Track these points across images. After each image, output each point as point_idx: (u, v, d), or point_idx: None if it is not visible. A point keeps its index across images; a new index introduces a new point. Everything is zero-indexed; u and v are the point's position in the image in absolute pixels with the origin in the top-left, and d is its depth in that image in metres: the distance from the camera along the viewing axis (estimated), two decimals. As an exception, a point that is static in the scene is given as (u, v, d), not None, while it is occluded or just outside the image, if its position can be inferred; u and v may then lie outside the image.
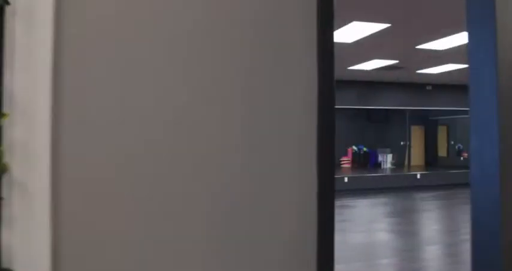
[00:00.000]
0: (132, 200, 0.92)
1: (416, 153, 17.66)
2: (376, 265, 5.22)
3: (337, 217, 8.38)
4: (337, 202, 9.92)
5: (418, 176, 12.73)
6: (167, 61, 0.96)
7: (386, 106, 12.61)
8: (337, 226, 7.44)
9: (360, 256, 5.59)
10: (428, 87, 12.76)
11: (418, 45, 7.27)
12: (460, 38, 6.77)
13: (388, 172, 14.94)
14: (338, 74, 10.65)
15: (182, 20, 0.97)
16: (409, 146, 16.60)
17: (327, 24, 1.09)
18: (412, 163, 17.03)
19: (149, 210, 0.94)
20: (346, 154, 17.24)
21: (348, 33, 6.36)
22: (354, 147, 17.57)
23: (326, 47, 1.09)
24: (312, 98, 1.08)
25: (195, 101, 0.99)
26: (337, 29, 6.15)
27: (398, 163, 15.89)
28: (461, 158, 17.98)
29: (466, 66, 9.49)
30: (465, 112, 15.36)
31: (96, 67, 0.90)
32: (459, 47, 7.35)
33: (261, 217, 1.04)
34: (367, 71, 10.04)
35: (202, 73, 1.00)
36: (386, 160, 16.47)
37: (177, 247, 0.96)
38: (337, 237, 6.55)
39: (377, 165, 16.52)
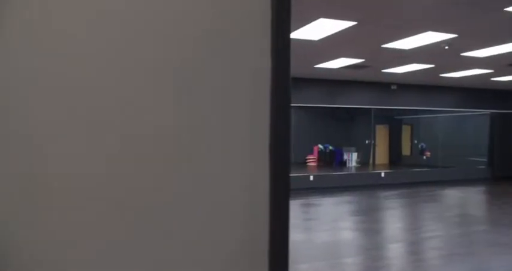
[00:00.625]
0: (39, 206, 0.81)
1: (381, 152, 17.94)
2: (340, 264, 5.20)
3: (302, 216, 8.38)
4: (303, 201, 9.93)
5: (383, 174, 12.89)
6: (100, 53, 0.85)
7: (353, 105, 12.71)
8: (303, 224, 7.44)
9: (325, 255, 5.58)
10: (393, 87, 12.91)
11: (384, 44, 7.30)
12: (425, 38, 6.83)
13: (353, 171, 15.10)
14: (305, 72, 10.64)
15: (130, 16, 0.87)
16: (374, 145, 16.83)
17: (282, 21, 1.01)
18: (377, 161, 17.28)
19: (67, 213, 0.83)
20: (312, 153, 17.37)
21: (315, 30, 6.32)
22: (320, 146, 17.72)
23: (282, 45, 1.01)
24: (264, 96, 1.00)
25: (133, 98, 0.89)
26: (304, 25, 6.10)
27: (363, 162, 16.09)
28: (424, 157, 18.38)
29: (430, 66, 9.62)
30: (428, 112, 15.66)
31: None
32: (424, 47, 7.42)
33: (207, 219, 0.94)
34: (333, 69, 10.06)
35: (149, 69, 0.90)
36: (352, 158, 16.67)
37: (110, 252, 0.86)
38: (302, 236, 6.54)
39: (342, 164, 16.72)
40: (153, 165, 0.88)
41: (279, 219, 0.93)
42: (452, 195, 11.60)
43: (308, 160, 17.05)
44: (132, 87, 0.86)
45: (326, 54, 8.38)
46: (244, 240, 0.94)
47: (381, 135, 18.09)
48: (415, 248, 5.96)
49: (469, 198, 11.19)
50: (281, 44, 0.97)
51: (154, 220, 0.90)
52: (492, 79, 11.84)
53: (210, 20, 0.91)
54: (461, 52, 7.99)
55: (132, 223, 0.88)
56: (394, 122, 18.79)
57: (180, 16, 0.91)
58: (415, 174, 13.52)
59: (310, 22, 5.92)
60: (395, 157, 18.52)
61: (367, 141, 16.09)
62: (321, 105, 12.33)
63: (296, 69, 10.22)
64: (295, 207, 9.38)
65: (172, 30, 0.89)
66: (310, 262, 5.26)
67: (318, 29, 6.28)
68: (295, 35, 6.54)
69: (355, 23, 5.93)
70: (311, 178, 11.66)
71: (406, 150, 19.34)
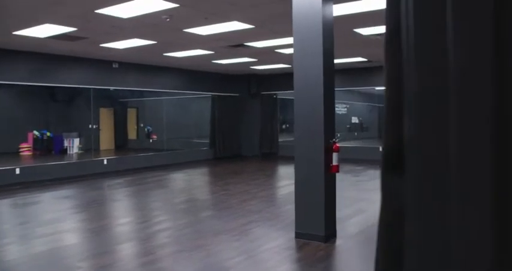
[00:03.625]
0: None
1: (106, 137, 16.80)
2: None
3: (11, 220, 6.68)
4: (9, 201, 8.10)
5: (105, 162, 11.75)
6: None
7: (68, 84, 11.03)
8: (13, 232, 5.84)
9: (44, 269, 4.30)
10: (115, 65, 11.81)
11: (97, 9, 6.13)
12: (144, 6, 5.97)
13: (73, 159, 13.52)
14: (1, 40, 8.52)
15: None
16: (98, 129, 15.55)
17: None
18: (102, 147, 16.07)
19: None
20: (26, 141, 15.03)
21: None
22: (36, 132, 15.49)
23: None
24: None
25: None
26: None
27: (87, 148, 14.60)
28: (151, 140, 18.09)
29: (152, 42, 8.90)
30: (154, 94, 15.20)
31: None
32: (143, 16, 6.57)
33: None
34: (41, 39, 8.30)
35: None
36: (73, 145, 15.10)
37: None
38: (14, 247, 5.10)
39: (63, 151, 15.00)
40: None
41: None
42: (179, 178, 11.37)
43: (21, 150, 14.67)
44: None
45: (24, 17, 6.65)
46: None
47: (106, 118, 16.91)
48: (143, 248, 5.15)
49: (194, 181, 11.12)
50: None
51: None
52: (213, 61, 11.98)
53: None
54: (184, 28, 7.49)
55: None
56: (119, 105, 17.86)
57: None
58: (140, 159, 12.84)
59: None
60: (121, 142, 17.65)
61: (90, 126, 14.67)
62: (28, 83, 10.28)
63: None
64: (-2, 209, 7.51)
65: None
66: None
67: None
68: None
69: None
70: (17, 171, 9.65)
71: (132, 134, 18.71)
